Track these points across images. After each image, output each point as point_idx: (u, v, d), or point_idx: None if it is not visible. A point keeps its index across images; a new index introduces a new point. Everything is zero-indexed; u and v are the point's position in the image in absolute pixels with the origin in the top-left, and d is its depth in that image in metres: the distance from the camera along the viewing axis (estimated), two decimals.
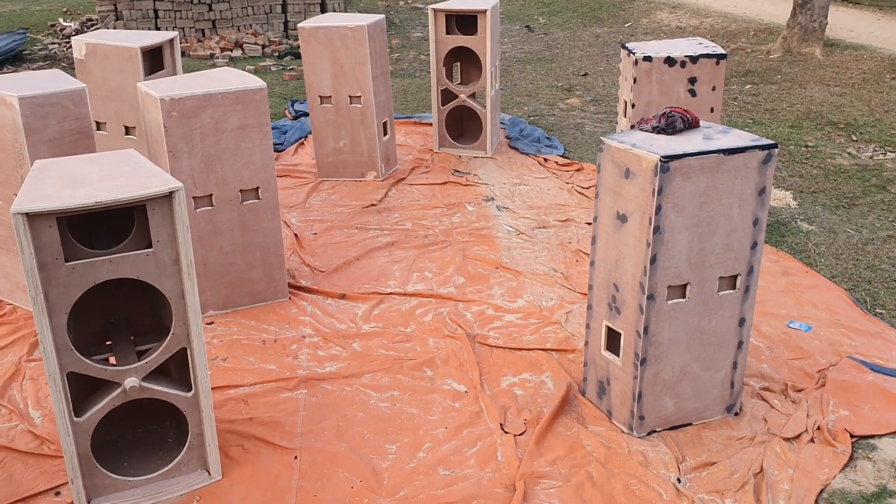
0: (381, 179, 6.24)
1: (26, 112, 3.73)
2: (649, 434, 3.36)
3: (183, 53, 10.42)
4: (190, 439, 3.03)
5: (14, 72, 9.67)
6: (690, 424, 3.42)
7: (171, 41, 5.28)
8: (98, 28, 11.74)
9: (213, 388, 3.45)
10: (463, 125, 7.00)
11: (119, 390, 2.86)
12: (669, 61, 4.70)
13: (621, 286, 3.24)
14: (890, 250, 4.98)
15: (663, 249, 3.06)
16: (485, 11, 6.27)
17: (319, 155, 6.26)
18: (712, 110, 4.82)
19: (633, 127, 4.61)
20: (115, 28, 11.38)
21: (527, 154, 6.79)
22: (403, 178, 6.30)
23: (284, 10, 12.04)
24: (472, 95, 6.65)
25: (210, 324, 4.25)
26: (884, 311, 4.30)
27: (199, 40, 11.47)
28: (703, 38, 5.16)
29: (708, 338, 3.30)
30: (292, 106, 8.17)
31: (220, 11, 11.62)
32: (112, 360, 2.99)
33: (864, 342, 4.00)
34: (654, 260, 3.06)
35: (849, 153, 6.73)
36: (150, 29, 11.25)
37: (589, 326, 3.50)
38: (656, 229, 3.02)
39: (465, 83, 7.03)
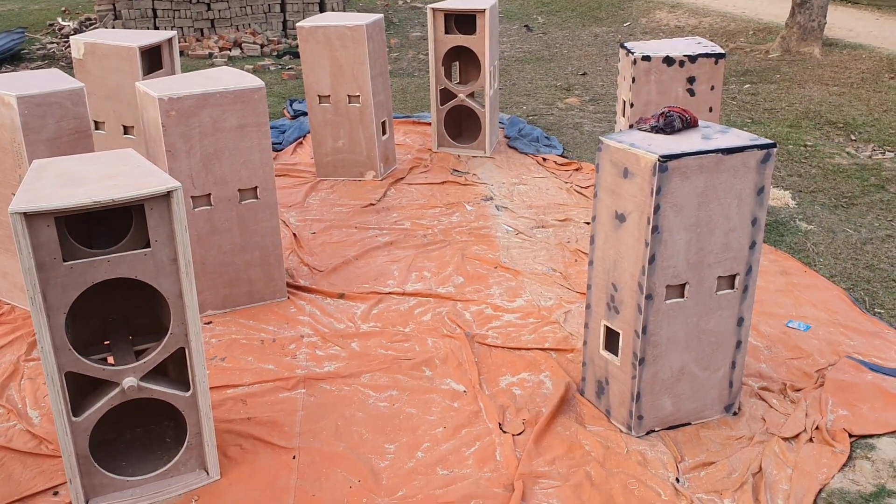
0: (379, 179, 6.23)
1: (24, 111, 3.73)
2: (648, 434, 3.36)
3: (181, 53, 10.42)
4: (188, 439, 3.03)
5: (12, 71, 9.64)
6: (689, 424, 3.42)
7: (170, 40, 5.27)
8: (96, 27, 11.73)
9: (211, 388, 3.45)
10: (462, 125, 7.00)
11: (117, 390, 2.86)
12: (668, 61, 4.70)
13: (620, 286, 3.24)
14: (888, 250, 4.98)
15: (662, 249, 3.06)
16: (484, 11, 6.27)
17: (318, 154, 6.26)
18: (711, 110, 4.82)
19: (631, 126, 4.61)
20: (113, 27, 11.37)
21: (525, 153, 6.79)
22: (402, 178, 6.29)
23: (283, 10, 12.04)
24: (471, 95, 6.65)
25: (208, 323, 4.24)
26: (882, 311, 4.31)
27: (197, 40, 11.46)
28: (701, 38, 5.16)
29: (706, 337, 3.30)
30: (291, 105, 8.16)
31: (219, 11, 11.61)
32: (110, 359, 2.99)
33: (862, 342, 4.00)
34: (652, 259, 3.06)
35: (847, 153, 6.73)
36: (148, 28, 11.24)
37: (587, 326, 3.50)
38: (655, 229, 3.02)
39: (464, 83, 7.03)
